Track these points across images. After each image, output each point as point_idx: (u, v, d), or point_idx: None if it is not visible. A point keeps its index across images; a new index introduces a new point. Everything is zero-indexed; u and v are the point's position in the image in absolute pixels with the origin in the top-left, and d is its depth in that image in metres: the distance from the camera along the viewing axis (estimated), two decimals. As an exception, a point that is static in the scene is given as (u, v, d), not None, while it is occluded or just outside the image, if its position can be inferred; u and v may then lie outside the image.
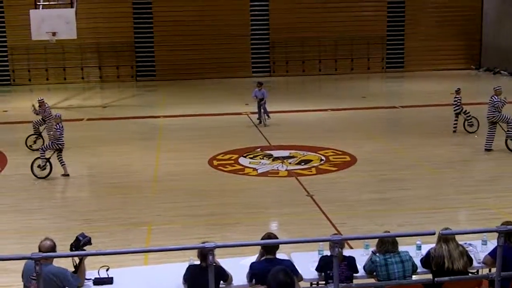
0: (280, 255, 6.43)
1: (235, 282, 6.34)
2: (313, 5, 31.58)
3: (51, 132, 13.37)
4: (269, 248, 6.25)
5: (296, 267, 6.34)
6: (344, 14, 31.99)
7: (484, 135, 15.27)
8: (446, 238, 6.36)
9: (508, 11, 31.25)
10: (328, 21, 31.88)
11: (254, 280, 6.25)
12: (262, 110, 18.92)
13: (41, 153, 13.45)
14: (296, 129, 18.53)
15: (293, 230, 9.97)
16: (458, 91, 16.95)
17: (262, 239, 6.42)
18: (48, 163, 13.43)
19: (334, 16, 31.92)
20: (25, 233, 10.13)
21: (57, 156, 13.47)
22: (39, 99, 15.70)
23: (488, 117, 14.86)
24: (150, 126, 19.93)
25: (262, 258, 6.31)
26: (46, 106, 15.65)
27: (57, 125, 13.36)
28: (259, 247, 6.38)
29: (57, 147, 13.34)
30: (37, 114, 15.67)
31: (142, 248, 9.10)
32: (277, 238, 6.45)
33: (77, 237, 6.13)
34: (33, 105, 15.66)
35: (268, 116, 18.98)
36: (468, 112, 16.97)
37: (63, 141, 13.41)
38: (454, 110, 17.06)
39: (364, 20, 32.34)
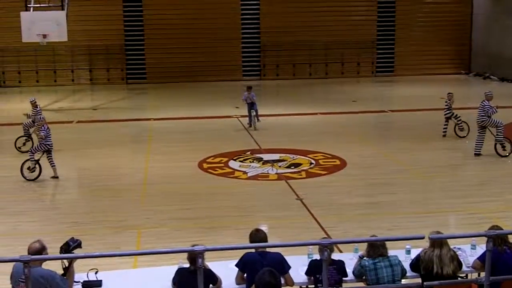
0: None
1: (224, 285, 6.33)
2: (304, 8, 31.67)
3: (39, 133, 13.36)
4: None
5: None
6: (334, 18, 32.11)
7: (474, 139, 15.35)
8: (440, 242, 6.36)
9: (498, 16, 31.50)
10: (319, 25, 31.98)
11: (244, 269, 6.30)
12: (253, 114, 18.91)
13: (30, 155, 13.39)
14: (286, 133, 18.55)
15: (282, 234, 9.97)
16: (449, 96, 17.05)
17: (250, 235, 6.46)
18: (37, 165, 13.36)
19: (325, 20, 32.02)
20: (13, 236, 10.06)
21: (47, 157, 13.41)
22: (31, 99, 15.70)
23: (478, 121, 14.96)
24: (140, 128, 19.88)
25: (254, 251, 6.35)
26: (38, 108, 15.67)
27: (43, 127, 13.33)
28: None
29: (46, 148, 13.28)
30: (29, 118, 15.71)
31: (132, 251, 9.06)
32: (264, 232, 6.50)
33: (67, 242, 6.10)
34: (25, 114, 15.79)
35: (258, 120, 18.98)
36: (459, 117, 17.07)
37: (51, 142, 13.35)
38: (445, 115, 17.15)
39: (354, 25, 32.47)
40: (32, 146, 13.92)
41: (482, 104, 14.81)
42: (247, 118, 19.25)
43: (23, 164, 13.38)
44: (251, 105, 18.84)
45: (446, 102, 17.09)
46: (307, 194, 12.16)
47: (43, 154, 13.41)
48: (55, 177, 13.44)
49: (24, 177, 13.31)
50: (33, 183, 13.22)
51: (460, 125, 17.08)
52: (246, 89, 19.15)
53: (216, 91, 28.41)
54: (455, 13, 33.37)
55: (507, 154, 14.93)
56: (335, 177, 13.60)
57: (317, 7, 31.83)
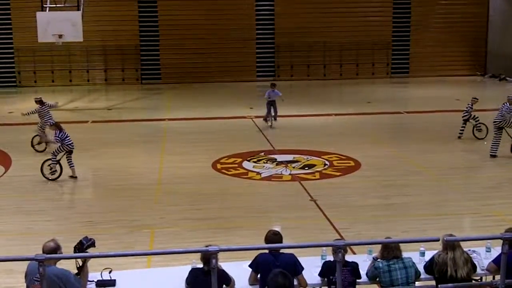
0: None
1: (237, 286, 6.33)
2: (319, 9, 31.59)
3: (55, 142, 13.42)
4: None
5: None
6: (349, 19, 31.99)
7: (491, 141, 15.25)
8: (452, 245, 6.32)
9: (514, 18, 31.19)
10: (334, 26, 31.89)
11: (258, 270, 6.31)
12: (271, 111, 18.78)
13: (52, 157, 13.37)
14: (300, 134, 18.51)
15: (296, 235, 9.94)
16: (474, 101, 16.76)
17: (266, 236, 6.45)
18: (58, 166, 13.38)
19: (340, 21, 31.92)
20: (29, 235, 10.14)
21: (67, 157, 13.44)
22: (36, 98, 15.92)
23: (494, 122, 14.85)
24: (154, 129, 19.95)
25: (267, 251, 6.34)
26: (46, 105, 15.76)
27: (55, 132, 13.33)
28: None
29: (67, 149, 13.32)
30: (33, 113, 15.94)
31: (145, 251, 9.10)
32: (281, 236, 6.49)
33: (80, 241, 6.13)
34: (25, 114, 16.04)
35: (275, 118, 18.82)
36: (477, 117, 16.86)
37: (71, 142, 13.39)
38: (463, 117, 16.94)
39: (369, 25, 32.32)
40: (55, 149, 13.80)
41: (503, 106, 14.77)
42: (261, 119, 19.21)
43: (43, 164, 13.41)
44: (271, 103, 18.73)
45: (468, 104, 16.83)
46: (321, 195, 12.13)
47: (64, 154, 13.45)
48: (74, 177, 13.49)
49: (45, 177, 13.35)
50: (49, 183, 13.30)
51: (479, 126, 16.87)
52: (270, 86, 19.04)
53: (230, 92, 28.44)
54: (471, 14, 33.09)
55: None
56: (349, 178, 13.55)
57: (332, 7, 31.73)
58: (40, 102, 15.88)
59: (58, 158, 13.40)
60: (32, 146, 16.02)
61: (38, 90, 29.87)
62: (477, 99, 16.98)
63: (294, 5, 31.68)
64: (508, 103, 14.74)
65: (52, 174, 13.37)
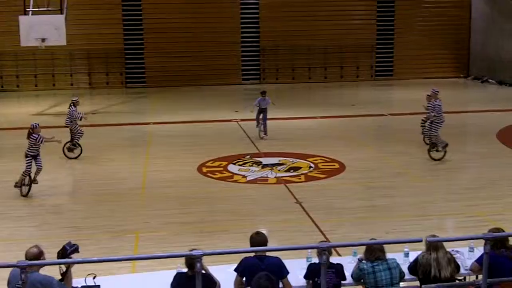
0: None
1: (223, 289, 6.32)
2: (303, 13, 31.69)
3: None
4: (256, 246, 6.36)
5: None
6: (334, 22, 32.13)
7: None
8: (435, 245, 6.37)
9: (496, 20, 31.55)
10: (318, 29, 32.00)
11: (243, 274, 6.30)
12: (261, 122, 17.85)
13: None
14: (286, 137, 18.53)
15: (281, 237, 9.97)
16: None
17: (250, 237, 6.47)
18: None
19: (324, 24, 32.04)
20: (12, 241, 10.05)
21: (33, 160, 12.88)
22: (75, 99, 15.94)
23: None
24: (139, 132, 19.87)
25: (253, 255, 6.34)
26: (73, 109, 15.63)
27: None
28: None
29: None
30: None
31: (130, 256, 9.04)
32: (264, 235, 6.51)
33: (64, 246, 6.08)
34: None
35: (266, 133, 17.88)
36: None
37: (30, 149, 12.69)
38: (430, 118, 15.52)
39: (353, 28, 32.49)
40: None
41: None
42: (246, 123, 19.14)
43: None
44: (261, 111, 17.86)
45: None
46: (306, 197, 12.16)
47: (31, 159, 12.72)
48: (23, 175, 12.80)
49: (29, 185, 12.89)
50: (32, 188, 13.13)
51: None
52: (260, 94, 18.12)
53: (215, 95, 28.40)
54: (453, 17, 33.40)
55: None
56: (334, 180, 13.60)
57: (316, 11, 31.84)
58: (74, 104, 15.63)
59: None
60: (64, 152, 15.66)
61: (20, 95, 29.65)
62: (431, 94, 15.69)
63: (279, 8, 31.74)
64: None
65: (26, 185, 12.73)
